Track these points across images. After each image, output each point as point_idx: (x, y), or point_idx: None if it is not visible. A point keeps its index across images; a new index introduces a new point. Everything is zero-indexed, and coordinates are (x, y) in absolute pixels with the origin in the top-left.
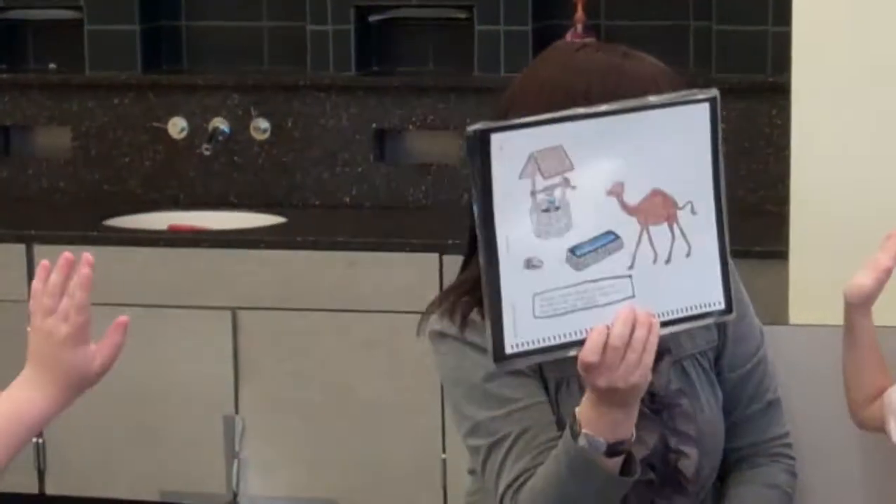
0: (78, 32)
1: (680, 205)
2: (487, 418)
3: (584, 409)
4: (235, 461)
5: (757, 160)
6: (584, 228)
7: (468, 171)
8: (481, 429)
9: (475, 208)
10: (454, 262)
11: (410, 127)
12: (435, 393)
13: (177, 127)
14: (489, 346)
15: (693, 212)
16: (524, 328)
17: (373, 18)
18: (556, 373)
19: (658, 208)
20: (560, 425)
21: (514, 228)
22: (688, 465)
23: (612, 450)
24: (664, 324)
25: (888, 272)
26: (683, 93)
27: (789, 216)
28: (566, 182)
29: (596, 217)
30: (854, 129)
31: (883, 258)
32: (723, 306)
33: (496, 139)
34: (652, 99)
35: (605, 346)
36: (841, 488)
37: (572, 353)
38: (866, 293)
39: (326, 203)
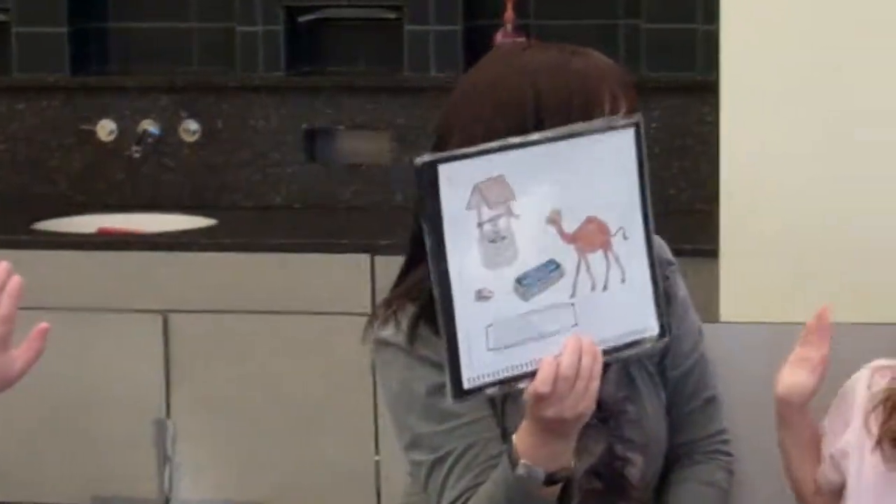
0: (5, 35)
1: (612, 231)
2: (430, 433)
3: (523, 438)
4: (167, 465)
5: (687, 158)
6: (528, 258)
7: (417, 202)
8: (423, 443)
9: (427, 241)
10: (385, 263)
11: (341, 127)
12: (368, 395)
13: (106, 129)
14: (448, 383)
15: (625, 237)
16: (479, 361)
17: (302, 18)
18: None
19: (594, 235)
20: (506, 437)
21: (464, 260)
22: (634, 473)
23: (551, 479)
24: (604, 352)
25: (825, 362)
26: (608, 119)
27: (719, 214)
28: (510, 211)
29: (538, 246)
30: (783, 127)
31: (815, 353)
32: (657, 332)
33: (444, 170)
34: (578, 126)
35: (556, 376)
36: (773, 482)
37: (523, 385)
38: (810, 391)
39: (257, 204)
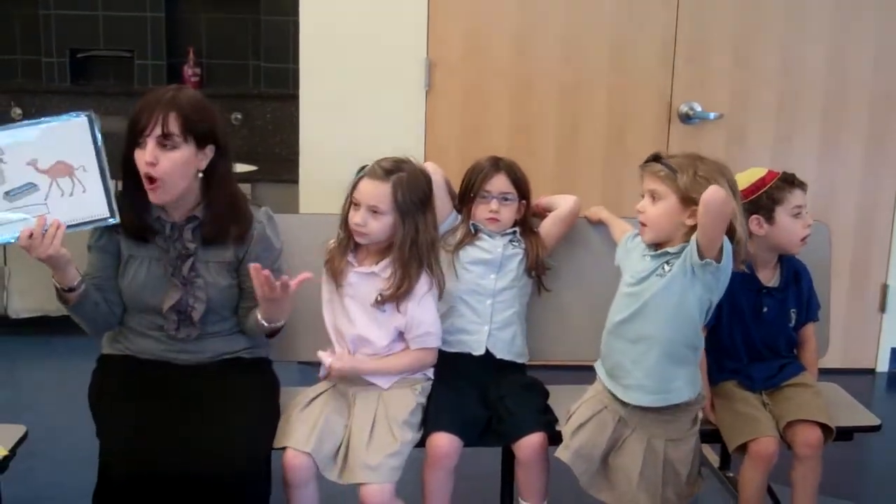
0: None
1: (76, 167)
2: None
3: (53, 273)
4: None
5: (283, 133)
6: (14, 182)
7: None
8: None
9: None
10: None
11: None
12: None
13: None
14: None
15: (84, 170)
16: None
17: None
18: (127, 251)
19: (62, 169)
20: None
21: None
22: (195, 314)
23: (68, 289)
24: (73, 226)
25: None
26: (72, 113)
27: (299, 161)
28: (1, 161)
29: (22, 176)
30: (329, 122)
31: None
32: (107, 215)
33: None
34: (53, 116)
35: (32, 237)
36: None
37: (13, 242)
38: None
39: None
